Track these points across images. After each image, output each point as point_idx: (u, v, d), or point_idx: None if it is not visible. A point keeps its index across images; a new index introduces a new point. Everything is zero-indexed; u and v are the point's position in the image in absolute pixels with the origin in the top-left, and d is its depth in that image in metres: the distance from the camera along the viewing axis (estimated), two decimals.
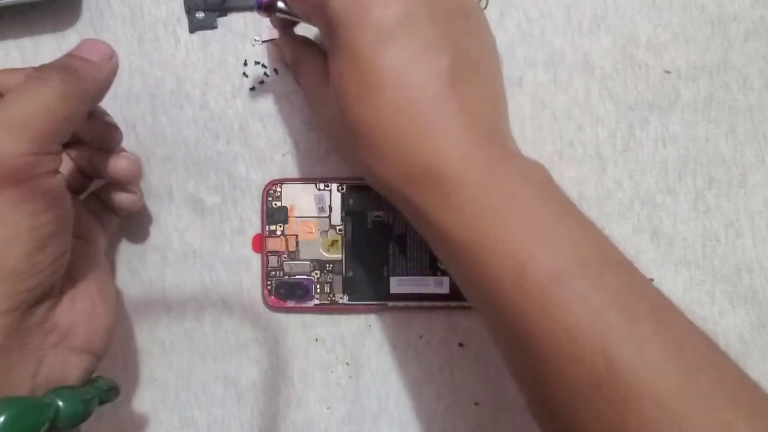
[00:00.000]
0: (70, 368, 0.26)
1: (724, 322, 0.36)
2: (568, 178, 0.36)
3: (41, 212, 0.24)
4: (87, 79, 0.27)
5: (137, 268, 0.36)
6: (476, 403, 0.36)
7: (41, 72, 0.26)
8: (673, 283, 0.36)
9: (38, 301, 0.25)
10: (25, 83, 0.25)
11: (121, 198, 0.33)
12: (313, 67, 0.31)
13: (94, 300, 0.28)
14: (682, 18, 0.36)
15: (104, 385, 0.28)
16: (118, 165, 0.31)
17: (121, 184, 0.32)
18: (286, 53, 0.34)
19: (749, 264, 0.36)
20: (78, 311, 0.27)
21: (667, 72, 0.36)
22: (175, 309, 0.36)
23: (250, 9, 0.36)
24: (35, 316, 0.25)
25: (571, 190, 0.36)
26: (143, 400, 0.36)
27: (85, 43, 0.28)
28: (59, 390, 0.25)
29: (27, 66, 0.36)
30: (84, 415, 0.25)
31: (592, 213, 0.36)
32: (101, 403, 0.27)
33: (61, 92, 0.25)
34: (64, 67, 0.27)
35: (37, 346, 0.25)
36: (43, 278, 0.24)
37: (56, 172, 0.25)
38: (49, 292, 0.25)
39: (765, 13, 0.36)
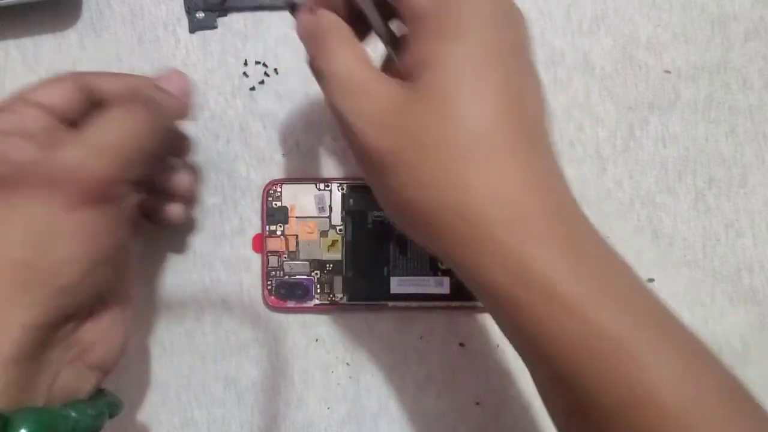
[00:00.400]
0: (83, 383, 0.26)
1: (725, 322, 0.36)
2: (568, 177, 0.36)
3: (105, 236, 0.25)
4: (170, 114, 0.28)
5: (137, 268, 0.36)
6: (477, 403, 0.36)
7: (132, 101, 0.27)
8: (673, 283, 0.36)
9: (69, 318, 0.25)
10: (118, 109, 0.26)
11: (173, 209, 0.32)
12: (357, 50, 0.26)
13: (116, 319, 0.27)
14: (682, 18, 0.36)
15: (112, 399, 0.28)
16: (182, 179, 0.31)
17: (176, 196, 0.32)
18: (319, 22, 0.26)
19: (749, 264, 0.36)
20: (100, 330, 0.27)
21: (667, 72, 0.36)
22: (175, 309, 0.36)
23: (250, 9, 0.36)
24: (62, 332, 0.25)
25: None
26: (143, 401, 0.36)
27: (171, 75, 0.29)
28: (75, 404, 0.25)
29: (28, 65, 0.36)
30: (97, 429, 0.25)
31: (592, 213, 0.36)
32: (110, 416, 0.27)
33: (148, 125, 0.26)
34: (152, 99, 0.27)
35: (57, 361, 0.25)
36: (84, 298, 0.25)
37: (127, 200, 0.26)
38: (82, 311, 0.25)
39: (765, 13, 0.36)
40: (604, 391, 0.20)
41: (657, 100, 0.36)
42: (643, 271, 0.36)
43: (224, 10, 0.36)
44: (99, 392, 0.27)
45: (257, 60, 0.36)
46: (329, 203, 0.35)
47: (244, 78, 0.36)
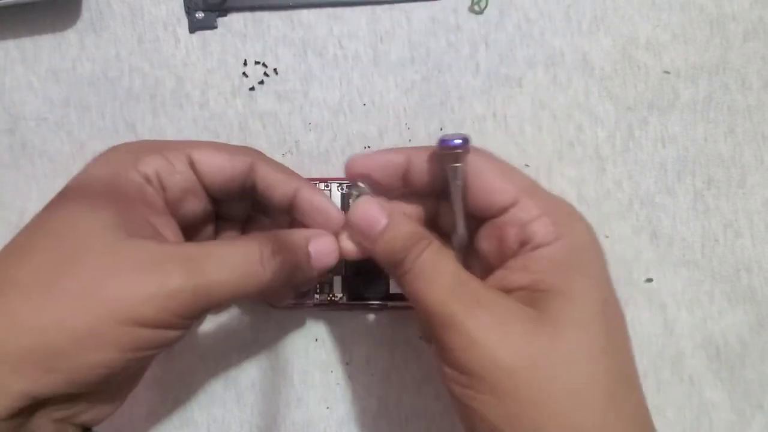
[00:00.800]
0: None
1: (723, 322, 0.36)
2: (568, 178, 0.36)
3: (144, 357, 0.23)
4: (296, 278, 0.27)
5: None
6: None
7: (274, 251, 0.25)
8: (672, 283, 0.36)
9: (69, 397, 0.23)
10: (245, 246, 0.25)
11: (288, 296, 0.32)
12: (454, 262, 0.25)
13: (112, 401, 0.26)
14: (681, 18, 0.36)
15: None
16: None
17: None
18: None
19: (748, 264, 0.36)
20: (93, 403, 0.25)
21: (667, 72, 0.36)
22: None
23: (250, 9, 0.36)
24: (56, 403, 0.23)
25: (571, 191, 0.36)
26: (143, 400, 0.36)
27: (327, 246, 0.28)
28: None
29: (28, 65, 0.36)
30: None
31: (592, 213, 0.36)
32: None
33: (264, 281, 0.25)
34: (282, 259, 0.26)
35: (43, 418, 0.23)
36: (92, 389, 0.23)
37: (181, 335, 0.24)
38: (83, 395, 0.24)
39: (764, 14, 0.36)
40: None
41: (656, 100, 0.36)
42: (642, 271, 0.36)
43: (224, 10, 0.36)
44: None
45: (257, 60, 0.36)
46: None
47: (244, 78, 0.36)
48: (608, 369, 0.23)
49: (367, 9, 0.36)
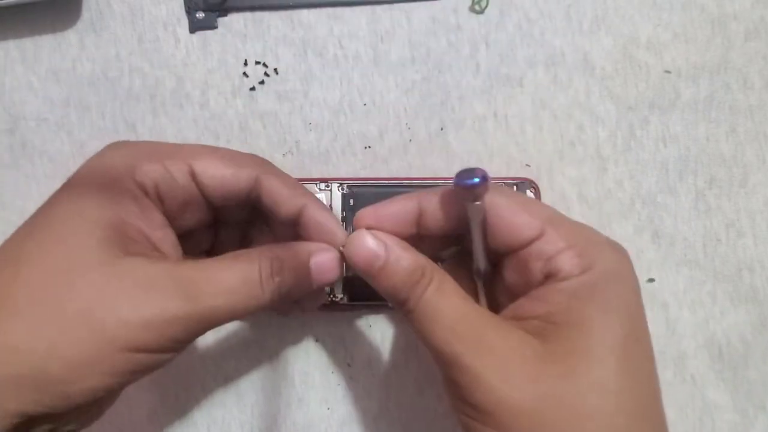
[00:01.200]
0: None
1: (725, 322, 0.36)
2: (569, 178, 0.36)
3: (134, 378, 0.23)
4: (282, 293, 0.26)
5: None
6: None
7: (281, 268, 0.25)
8: (674, 283, 0.36)
9: (58, 415, 0.23)
10: (243, 264, 0.24)
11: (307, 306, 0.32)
12: (462, 293, 0.25)
13: (99, 411, 0.25)
14: (682, 18, 0.36)
15: None
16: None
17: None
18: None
19: (750, 264, 0.36)
20: (78, 415, 0.24)
21: (668, 72, 0.36)
22: None
23: (250, 9, 0.36)
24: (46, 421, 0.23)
25: (572, 190, 0.36)
26: (143, 401, 0.36)
27: (330, 267, 0.27)
28: None
29: (28, 65, 0.36)
30: None
31: (593, 213, 0.36)
32: None
33: (263, 303, 0.25)
34: (283, 278, 0.25)
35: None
36: (80, 407, 0.22)
37: (176, 355, 0.24)
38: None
39: (765, 13, 0.36)
40: None
41: (657, 99, 0.36)
42: (643, 271, 0.36)
43: (224, 10, 0.36)
44: None
45: (257, 60, 0.36)
46: (329, 203, 0.35)
47: (244, 78, 0.36)
48: (625, 409, 0.22)
49: (367, 9, 0.36)
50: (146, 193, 0.25)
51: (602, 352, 0.22)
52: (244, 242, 0.32)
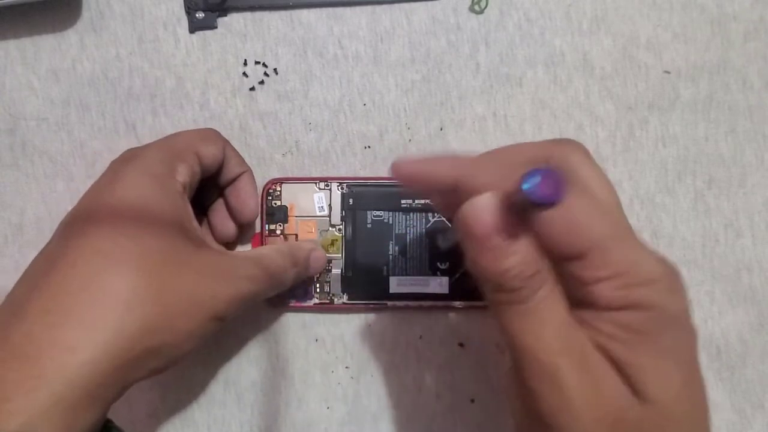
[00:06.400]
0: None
1: (724, 322, 0.36)
2: None
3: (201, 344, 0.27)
4: (296, 279, 0.33)
5: None
6: (472, 400, 0.36)
7: (291, 259, 0.31)
8: None
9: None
10: (277, 255, 0.31)
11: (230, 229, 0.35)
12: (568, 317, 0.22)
13: None
14: (682, 18, 0.36)
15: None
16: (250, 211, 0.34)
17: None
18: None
19: (749, 264, 0.36)
20: None
21: (667, 72, 0.36)
22: None
23: (250, 9, 0.36)
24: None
25: None
26: (143, 401, 0.36)
27: (320, 257, 0.34)
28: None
29: (28, 65, 0.36)
30: None
31: None
32: None
33: (287, 285, 0.32)
34: (298, 269, 0.32)
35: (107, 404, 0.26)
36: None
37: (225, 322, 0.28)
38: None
39: (765, 13, 0.36)
40: None
41: (657, 100, 0.36)
42: None
43: (224, 10, 0.36)
44: (108, 423, 0.27)
45: (257, 60, 0.36)
46: (329, 202, 0.35)
47: (244, 78, 0.36)
48: None
49: (367, 9, 0.36)
50: (184, 190, 0.29)
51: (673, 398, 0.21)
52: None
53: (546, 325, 0.21)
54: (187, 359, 0.28)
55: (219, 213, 0.34)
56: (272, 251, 0.31)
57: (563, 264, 0.21)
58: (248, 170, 0.34)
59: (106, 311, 0.24)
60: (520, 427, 0.23)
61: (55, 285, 0.24)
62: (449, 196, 0.23)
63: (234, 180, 0.34)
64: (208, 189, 0.34)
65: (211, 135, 0.32)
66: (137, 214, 0.27)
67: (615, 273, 0.20)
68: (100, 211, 0.27)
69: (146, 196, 0.27)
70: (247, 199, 0.34)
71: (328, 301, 0.35)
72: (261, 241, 0.35)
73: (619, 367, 0.21)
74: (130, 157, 0.29)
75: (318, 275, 0.35)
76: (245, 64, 0.36)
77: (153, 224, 0.27)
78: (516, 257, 0.21)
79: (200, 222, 0.34)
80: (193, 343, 0.27)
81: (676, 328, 0.21)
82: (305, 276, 0.34)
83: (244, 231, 0.36)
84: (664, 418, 0.21)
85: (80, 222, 0.27)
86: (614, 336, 0.21)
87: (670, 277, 0.21)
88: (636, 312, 0.20)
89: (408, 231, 0.35)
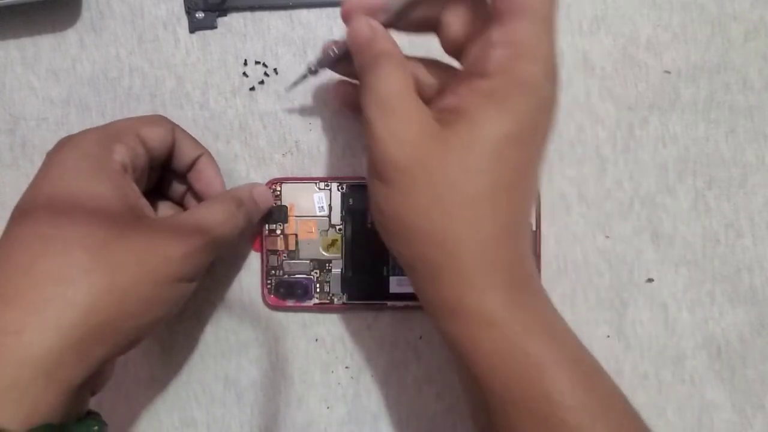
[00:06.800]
0: (84, 405, 0.27)
1: (724, 323, 0.36)
2: (569, 177, 0.36)
3: (175, 307, 0.28)
4: (251, 221, 0.33)
5: None
6: None
7: (238, 206, 0.31)
8: (673, 283, 0.36)
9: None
10: (223, 206, 0.31)
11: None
12: (407, 75, 0.28)
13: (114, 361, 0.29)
14: (682, 18, 0.36)
15: (100, 422, 0.27)
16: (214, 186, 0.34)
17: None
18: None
19: (749, 264, 0.36)
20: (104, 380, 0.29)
21: (667, 72, 0.36)
22: None
23: (250, 9, 0.36)
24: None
25: (571, 190, 0.36)
26: (143, 400, 0.36)
27: (264, 192, 0.34)
28: (82, 423, 0.26)
29: (28, 65, 0.36)
30: None
31: (592, 213, 0.36)
32: None
33: (240, 227, 0.31)
34: (249, 210, 0.32)
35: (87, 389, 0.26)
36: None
37: (193, 282, 0.29)
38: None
39: (765, 13, 0.36)
40: (509, 388, 0.24)
41: (657, 100, 0.36)
42: (642, 271, 0.36)
43: (224, 10, 0.36)
44: (90, 413, 0.27)
45: (257, 60, 0.36)
46: (329, 203, 0.35)
47: (244, 78, 0.36)
48: (485, 192, 0.25)
49: None
50: (125, 170, 0.29)
51: (475, 137, 0.24)
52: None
53: (375, 91, 0.26)
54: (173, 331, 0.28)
55: (190, 203, 0.34)
56: (213, 201, 0.31)
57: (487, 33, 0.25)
58: (205, 152, 0.33)
59: (50, 291, 0.24)
60: (370, 186, 0.27)
61: (0, 272, 0.25)
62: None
63: (193, 165, 0.33)
64: (171, 180, 0.34)
65: (156, 119, 0.32)
66: (75, 197, 0.26)
67: (516, 42, 0.24)
68: (38, 199, 0.27)
69: (82, 177, 0.27)
70: (210, 180, 0.33)
71: (328, 301, 0.35)
72: (262, 241, 0.35)
73: (459, 120, 0.25)
74: (64, 142, 0.29)
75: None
76: (245, 64, 0.36)
77: (91, 204, 0.26)
78: (367, 25, 0.27)
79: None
80: (161, 309, 0.27)
81: (527, 96, 0.24)
82: (259, 214, 0.34)
83: None
84: (472, 155, 0.25)
85: (19, 213, 0.27)
86: (470, 96, 0.25)
87: (553, 64, 0.25)
88: (507, 78, 0.24)
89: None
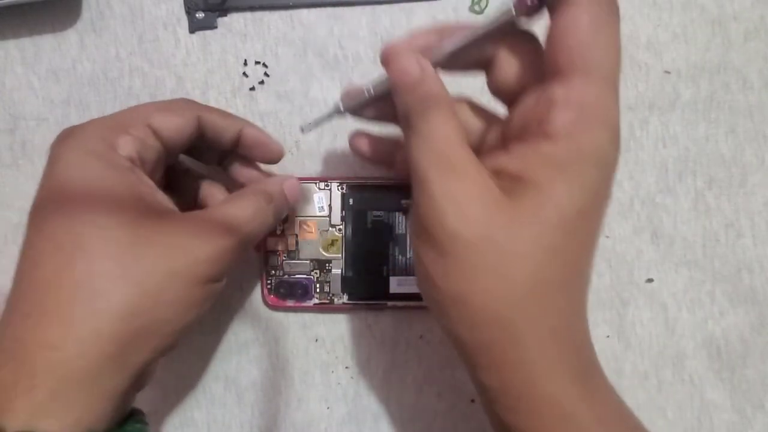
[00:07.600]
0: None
1: (724, 322, 0.36)
2: None
3: (204, 308, 0.27)
4: (281, 215, 0.31)
5: None
6: (472, 400, 0.36)
7: (267, 201, 0.30)
8: (673, 283, 0.36)
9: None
10: (253, 201, 0.29)
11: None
12: (461, 129, 0.25)
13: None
14: (682, 18, 0.36)
15: (144, 422, 0.28)
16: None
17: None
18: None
19: (749, 264, 0.36)
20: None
21: (667, 72, 0.36)
22: None
23: (250, 9, 0.36)
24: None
25: None
26: (143, 400, 0.36)
27: (293, 184, 0.32)
28: (131, 425, 0.26)
29: (28, 65, 0.36)
30: None
31: None
32: None
33: (269, 221, 0.30)
34: (278, 205, 0.31)
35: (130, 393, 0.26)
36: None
37: (222, 282, 0.28)
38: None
39: (765, 13, 0.36)
40: None
41: (657, 100, 0.36)
42: (643, 271, 0.36)
43: (224, 10, 0.36)
44: (132, 413, 0.27)
45: (257, 60, 0.36)
46: (329, 203, 0.35)
47: (244, 78, 0.36)
48: (551, 266, 0.23)
49: (367, 9, 0.36)
50: (134, 163, 0.27)
51: (549, 213, 0.22)
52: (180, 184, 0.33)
53: (429, 142, 0.24)
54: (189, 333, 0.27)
55: (212, 195, 0.33)
56: (241, 196, 0.30)
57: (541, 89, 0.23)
58: (246, 123, 0.31)
59: (80, 304, 0.24)
60: (415, 249, 0.26)
61: (26, 285, 0.24)
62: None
63: (238, 140, 0.31)
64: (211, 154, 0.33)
65: (175, 105, 0.30)
66: (87, 197, 0.25)
67: (580, 102, 0.22)
68: (48, 204, 0.26)
69: (89, 177, 0.26)
70: (258, 145, 0.31)
71: (328, 301, 0.35)
72: (261, 242, 0.35)
73: (523, 186, 0.23)
74: (66, 134, 0.27)
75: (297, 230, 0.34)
76: (245, 64, 0.36)
77: (106, 206, 0.25)
78: (416, 64, 0.24)
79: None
80: (192, 312, 0.26)
81: (598, 169, 0.23)
82: (288, 209, 0.32)
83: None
84: (539, 227, 0.23)
85: (33, 220, 0.26)
86: (536, 162, 0.23)
87: (616, 126, 0.23)
88: (570, 142, 0.22)
89: (408, 231, 0.35)
